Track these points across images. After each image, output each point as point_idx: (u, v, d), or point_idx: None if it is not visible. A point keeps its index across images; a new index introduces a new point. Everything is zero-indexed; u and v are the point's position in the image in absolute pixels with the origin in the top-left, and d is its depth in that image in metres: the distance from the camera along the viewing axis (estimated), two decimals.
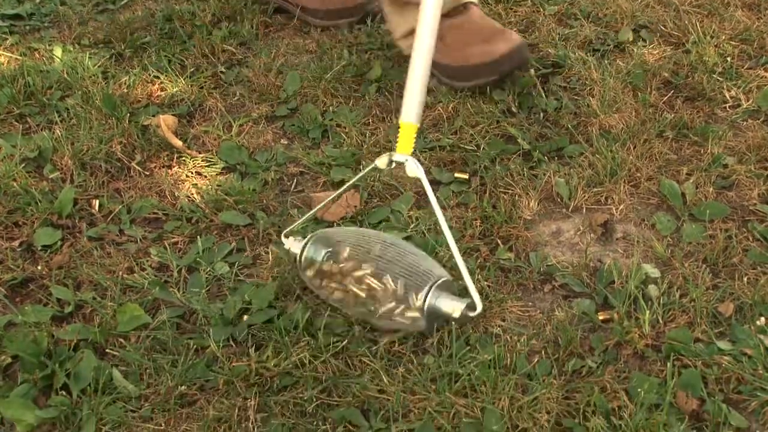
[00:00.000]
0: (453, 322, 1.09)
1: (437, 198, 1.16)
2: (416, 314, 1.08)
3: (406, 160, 1.13)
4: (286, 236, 1.20)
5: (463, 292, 1.11)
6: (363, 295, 1.10)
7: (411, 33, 1.60)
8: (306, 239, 1.16)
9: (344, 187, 1.22)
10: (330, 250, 1.14)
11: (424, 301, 1.07)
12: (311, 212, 1.23)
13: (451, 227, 1.29)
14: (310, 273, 1.15)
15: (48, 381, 1.07)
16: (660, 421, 0.97)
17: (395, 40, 1.66)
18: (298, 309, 1.14)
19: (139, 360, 1.09)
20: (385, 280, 1.10)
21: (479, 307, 1.08)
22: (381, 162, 1.14)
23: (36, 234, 1.30)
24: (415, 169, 1.12)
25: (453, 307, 1.08)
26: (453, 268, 1.13)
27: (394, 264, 1.10)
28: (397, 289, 1.09)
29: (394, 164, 1.14)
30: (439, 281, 1.09)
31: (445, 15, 1.54)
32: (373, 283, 1.10)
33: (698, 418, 1.01)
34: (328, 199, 1.22)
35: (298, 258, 1.16)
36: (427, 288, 1.08)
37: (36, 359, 1.08)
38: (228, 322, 1.14)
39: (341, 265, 1.12)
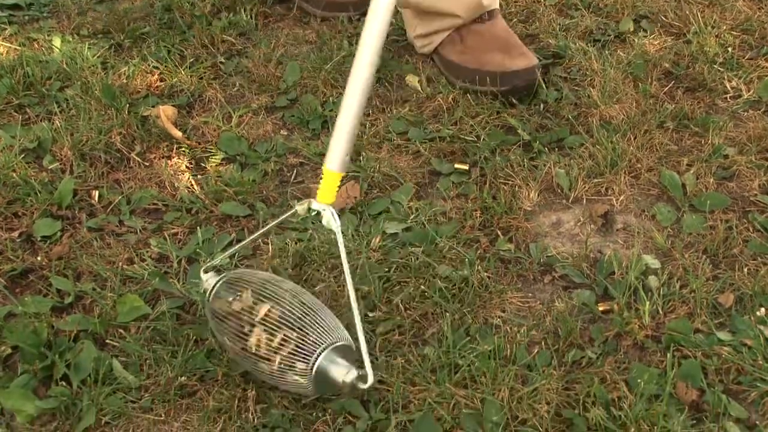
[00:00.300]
0: (339, 391, 1.01)
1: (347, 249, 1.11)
2: (303, 379, 0.99)
3: (324, 209, 1.05)
4: (206, 271, 1.12)
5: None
6: (254, 349, 1.02)
7: (427, 35, 1.60)
8: (220, 277, 1.09)
9: (261, 231, 1.16)
10: (238, 294, 1.06)
11: (314, 363, 0.98)
12: (233, 248, 1.17)
13: (450, 218, 1.29)
14: (215, 310, 1.07)
15: (48, 372, 1.07)
16: (660, 412, 0.98)
17: (409, 37, 1.66)
18: None
19: (139, 351, 1.09)
20: (279, 337, 1.00)
21: (370, 380, 0.98)
22: (301, 208, 1.07)
23: (36, 225, 1.30)
24: (331, 221, 1.04)
25: (342, 374, 0.98)
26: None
27: (293, 321, 1.01)
28: (289, 348, 1.00)
29: (313, 212, 1.06)
30: (336, 344, 1.00)
31: (471, 21, 1.56)
32: (265, 339, 1.01)
33: (698, 409, 1.01)
34: (249, 240, 1.15)
35: (207, 294, 1.08)
36: (319, 350, 0.99)
37: (36, 350, 1.08)
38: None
39: (241, 311, 1.04)
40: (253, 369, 1.04)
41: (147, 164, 1.43)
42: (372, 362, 0.99)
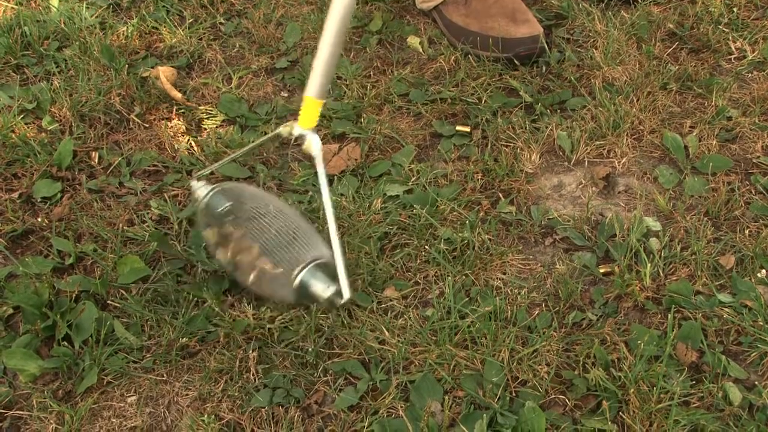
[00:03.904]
0: (318, 305, 1.05)
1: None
2: (287, 288, 1.03)
3: (305, 134, 1.07)
4: (198, 179, 1.17)
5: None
6: (242, 256, 1.06)
7: None
8: (212, 187, 1.13)
9: (247, 147, 1.20)
10: (229, 204, 1.11)
11: (298, 275, 1.02)
12: (225, 159, 1.21)
13: (452, 180, 1.28)
14: (205, 220, 1.12)
15: (50, 332, 1.08)
16: (659, 372, 0.98)
17: None
18: None
19: (141, 312, 1.10)
20: (266, 245, 1.05)
21: (346, 296, 1.01)
22: (285, 130, 1.09)
23: (35, 186, 1.29)
24: (311, 145, 1.07)
25: (322, 289, 1.02)
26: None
27: (282, 233, 1.06)
28: (275, 258, 1.04)
29: (294, 136, 1.09)
30: (321, 260, 1.04)
31: None
32: (253, 247, 1.06)
33: (697, 370, 1.02)
34: (241, 152, 1.20)
35: (199, 201, 1.13)
36: (304, 264, 1.02)
37: (38, 310, 1.08)
38: (227, 275, 1.14)
39: (232, 223, 1.09)
40: (238, 276, 1.07)
41: (147, 126, 1.42)
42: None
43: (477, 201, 1.25)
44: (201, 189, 1.15)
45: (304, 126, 1.07)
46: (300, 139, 1.08)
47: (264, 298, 1.09)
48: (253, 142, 1.36)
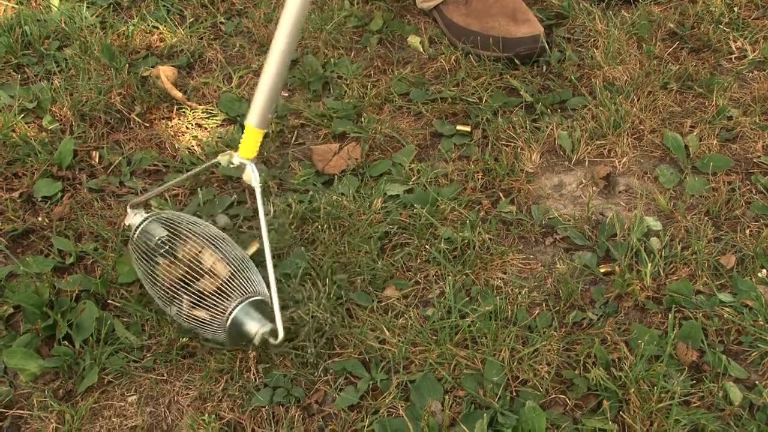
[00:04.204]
0: (252, 344, 1.02)
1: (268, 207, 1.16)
2: (219, 327, 1.01)
3: (245, 164, 1.06)
4: (132, 207, 1.15)
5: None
6: (175, 293, 1.04)
7: None
8: (147, 216, 1.11)
9: (185, 175, 1.17)
10: (165, 234, 1.08)
11: (231, 313, 1.00)
12: (162, 187, 1.16)
13: (452, 180, 1.28)
14: (137, 252, 1.09)
15: (50, 331, 1.08)
16: (660, 372, 0.98)
17: None
18: (296, 260, 1.14)
19: (141, 311, 1.09)
20: (200, 281, 1.03)
21: (281, 336, 0.99)
22: (223, 159, 1.08)
23: (36, 185, 1.29)
24: (251, 176, 1.05)
25: (255, 328, 1.00)
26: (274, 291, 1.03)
27: (216, 268, 1.03)
28: (209, 294, 1.02)
29: (233, 165, 1.08)
30: (255, 298, 1.02)
31: None
32: (187, 281, 1.03)
33: (698, 369, 1.02)
34: (179, 179, 1.16)
35: (132, 231, 1.10)
36: (238, 300, 1.01)
37: (38, 309, 1.08)
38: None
39: (165, 255, 1.07)
40: (167, 309, 1.05)
41: (147, 125, 1.42)
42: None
43: (477, 200, 1.25)
44: (136, 217, 1.12)
45: (244, 155, 1.06)
46: (240, 168, 1.07)
47: (196, 334, 1.07)
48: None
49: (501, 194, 1.26)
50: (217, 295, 1.01)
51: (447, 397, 0.99)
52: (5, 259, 1.20)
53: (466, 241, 1.17)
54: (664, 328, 1.06)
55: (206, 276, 1.03)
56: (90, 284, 1.13)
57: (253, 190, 1.06)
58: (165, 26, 1.63)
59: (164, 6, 1.69)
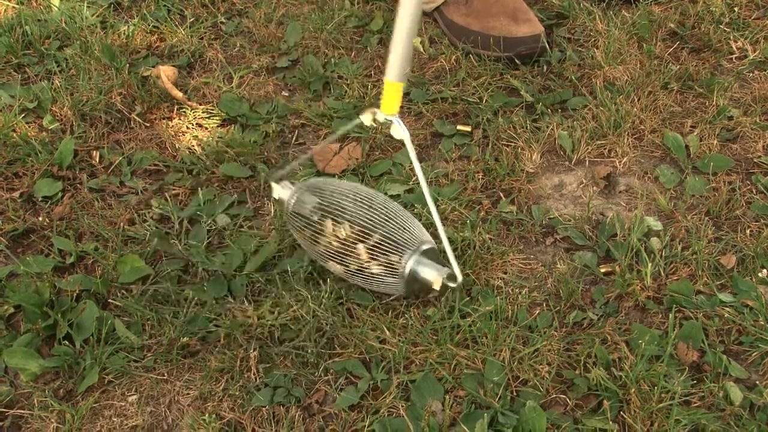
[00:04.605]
0: (431, 291, 1.07)
1: (421, 165, 1.16)
2: (396, 279, 1.06)
3: (390, 120, 1.08)
4: (277, 181, 1.16)
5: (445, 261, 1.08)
6: (345, 252, 1.07)
7: None
8: (297, 186, 1.14)
9: (334, 135, 1.21)
10: (319, 201, 1.11)
11: (405, 265, 1.05)
12: (305, 156, 1.19)
13: (452, 180, 1.28)
14: (297, 222, 1.12)
15: (51, 331, 1.08)
16: (660, 372, 0.98)
17: None
18: (298, 260, 1.14)
19: (141, 311, 1.10)
20: (370, 239, 1.06)
21: (459, 279, 1.06)
22: (366, 118, 1.09)
23: (36, 185, 1.29)
24: (399, 130, 1.07)
25: (433, 276, 1.05)
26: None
27: (379, 224, 1.06)
28: (380, 250, 1.06)
29: (377, 123, 1.09)
30: (424, 247, 1.06)
31: None
32: (357, 241, 1.07)
33: (698, 369, 1.02)
34: (326, 141, 1.19)
35: (286, 204, 1.13)
36: (409, 253, 1.05)
37: (38, 309, 1.08)
38: (227, 276, 1.14)
39: (328, 219, 1.09)
40: (347, 273, 1.09)
41: (147, 125, 1.42)
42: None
43: (478, 200, 1.25)
44: (285, 190, 1.14)
45: (388, 112, 1.07)
46: (384, 125, 1.08)
47: (368, 289, 1.11)
48: (254, 142, 1.36)
49: (501, 194, 1.26)
50: (390, 247, 1.05)
51: (447, 396, 0.99)
52: (6, 259, 1.20)
53: (467, 241, 1.17)
54: (665, 328, 1.06)
55: (377, 230, 1.06)
56: (90, 284, 1.13)
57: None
58: (165, 26, 1.63)
59: (165, 6, 1.69)
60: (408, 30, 1.05)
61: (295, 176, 1.27)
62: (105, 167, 1.34)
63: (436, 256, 1.07)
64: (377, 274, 1.06)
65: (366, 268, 1.07)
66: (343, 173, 1.30)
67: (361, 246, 1.06)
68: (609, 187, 1.28)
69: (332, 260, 1.09)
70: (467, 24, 1.54)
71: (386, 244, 1.05)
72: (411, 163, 1.31)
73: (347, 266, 1.07)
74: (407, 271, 1.05)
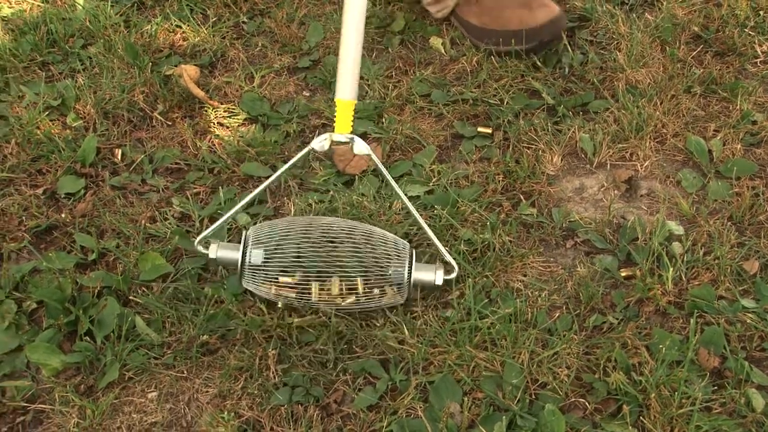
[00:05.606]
0: (430, 290, 1.09)
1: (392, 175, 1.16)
2: (396, 295, 1.07)
3: (351, 139, 1.06)
4: (204, 244, 1.11)
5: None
6: (336, 298, 1.06)
7: (439, 1, 1.57)
8: (243, 242, 1.08)
9: (275, 174, 1.12)
10: (269, 247, 1.06)
11: (409, 276, 1.06)
12: (225, 216, 1.11)
13: (473, 182, 1.28)
14: (258, 284, 1.07)
15: (72, 327, 1.09)
16: (681, 377, 0.97)
17: (423, 3, 1.63)
18: None
19: (162, 308, 1.10)
20: (357, 282, 1.06)
21: (456, 268, 1.07)
22: (318, 144, 1.05)
23: (59, 182, 1.30)
24: (361, 146, 1.05)
25: (433, 275, 1.07)
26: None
27: (357, 260, 1.06)
28: (371, 284, 1.06)
29: (333, 145, 1.07)
30: (407, 256, 1.08)
31: None
32: (343, 284, 1.06)
33: (720, 375, 1.01)
34: (256, 191, 1.12)
35: (239, 265, 1.07)
36: (406, 264, 1.07)
37: (60, 305, 1.09)
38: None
39: (314, 282, 1.07)
40: (344, 309, 1.08)
41: (169, 123, 1.43)
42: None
43: (498, 202, 1.25)
44: (225, 251, 1.08)
45: (342, 131, 1.05)
46: (338, 146, 1.07)
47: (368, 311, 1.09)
48: (275, 141, 1.36)
49: (522, 196, 1.26)
50: (379, 280, 1.06)
51: (466, 398, 0.99)
52: (29, 255, 1.21)
53: (487, 242, 1.17)
54: (686, 333, 1.06)
55: (359, 267, 1.07)
56: (112, 281, 1.14)
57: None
58: (188, 25, 1.64)
59: (187, 5, 1.70)
60: (354, 46, 1.04)
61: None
62: (127, 165, 1.35)
63: (413, 253, 1.09)
64: (379, 295, 1.07)
65: (362, 302, 1.07)
66: (363, 174, 1.30)
67: (353, 297, 1.06)
68: (630, 190, 1.28)
69: (326, 305, 1.08)
70: (483, 24, 1.52)
71: (375, 278, 1.06)
72: (431, 164, 1.31)
73: (346, 303, 1.07)
74: (413, 281, 1.07)
